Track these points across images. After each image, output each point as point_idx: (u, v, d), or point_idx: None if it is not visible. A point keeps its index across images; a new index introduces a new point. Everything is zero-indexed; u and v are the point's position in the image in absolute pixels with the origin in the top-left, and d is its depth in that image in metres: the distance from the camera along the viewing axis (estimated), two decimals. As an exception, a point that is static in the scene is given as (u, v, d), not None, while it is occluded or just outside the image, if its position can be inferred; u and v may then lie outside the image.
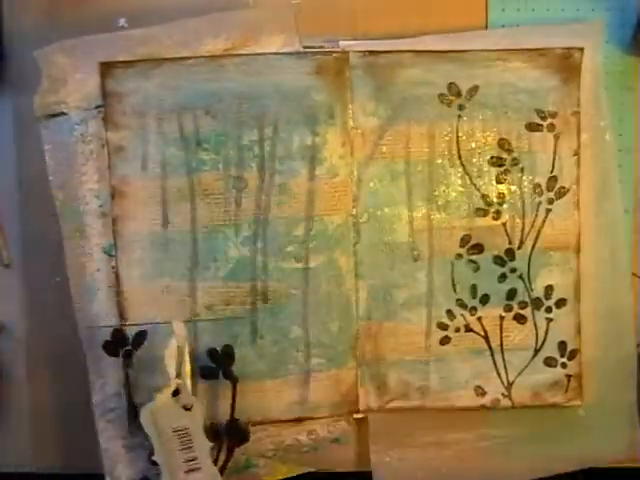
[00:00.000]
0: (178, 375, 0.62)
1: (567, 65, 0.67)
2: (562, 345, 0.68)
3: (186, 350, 0.63)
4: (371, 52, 0.66)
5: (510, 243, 0.68)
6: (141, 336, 0.65)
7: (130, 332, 0.65)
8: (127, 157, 0.66)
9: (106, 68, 0.65)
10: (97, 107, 0.66)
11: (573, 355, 0.68)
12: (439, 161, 0.67)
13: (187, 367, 0.63)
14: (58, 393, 0.70)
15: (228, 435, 0.65)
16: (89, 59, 0.65)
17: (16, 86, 0.68)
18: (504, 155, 0.67)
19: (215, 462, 0.63)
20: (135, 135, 0.66)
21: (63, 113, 0.66)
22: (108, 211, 0.66)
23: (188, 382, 0.63)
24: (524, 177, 0.67)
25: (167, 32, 0.65)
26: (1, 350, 0.69)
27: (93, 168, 0.66)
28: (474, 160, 0.67)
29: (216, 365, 0.65)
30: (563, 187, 0.67)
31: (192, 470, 0.62)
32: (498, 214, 0.67)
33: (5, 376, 0.69)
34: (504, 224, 0.68)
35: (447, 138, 0.67)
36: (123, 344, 0.64)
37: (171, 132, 0.66)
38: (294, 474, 0.69)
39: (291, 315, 0.67)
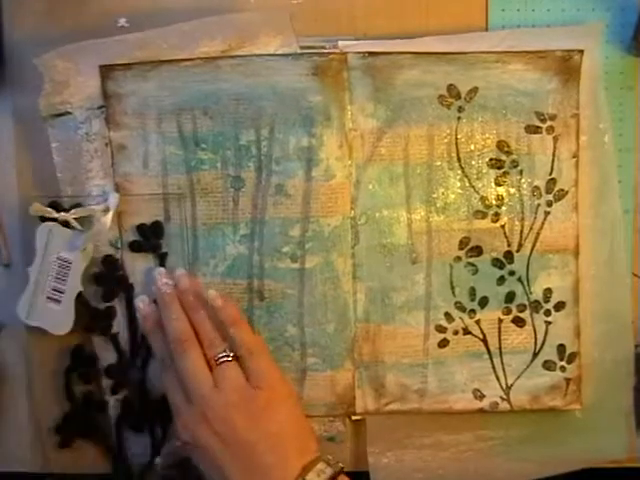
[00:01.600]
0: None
1: (567, 67, 0.66)
2: (561, 348, 0.68)
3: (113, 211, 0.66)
4: (370, 53, 0.66)
5: (509, 246, 0.67)
6: (76, 207, 0.67)
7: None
8: (129, 155, 0.67)
9: (106, 70, 0.65)
10: (100, 107, 0.66)
11: (572, 358, 0.68)
12: (438, 163, 0.67)
13: (107, 222, 0.66)
14: (58, 393, 0.70)
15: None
16: (89, 62, 0.66)
17: (16, 87, 0.68)
18: (503, 157, 0.67)
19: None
20: (136, 134, 0.66)
21: (68, 112, 0.66)
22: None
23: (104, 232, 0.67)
24: (523, 179, 0.67)
25: (164, 35, 0.66)
26: (1, 350, 0.70)
27: (98, 165, 0.67)
28: (473, 162, 0.67)
29: (143, 239, 0.67)
30: (562, 189, 0.67)
31: (53, 299, 0.66)
32: (497, 216, 0.67)
33: (5, 376, 0.69)
34: (503, 226, 0.67)
35: (446, 140, 0.67)
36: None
37: (170, 132, 0.66)
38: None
39: (287, 314, 0.67)
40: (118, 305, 0.68)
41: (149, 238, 0.67)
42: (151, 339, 0.64)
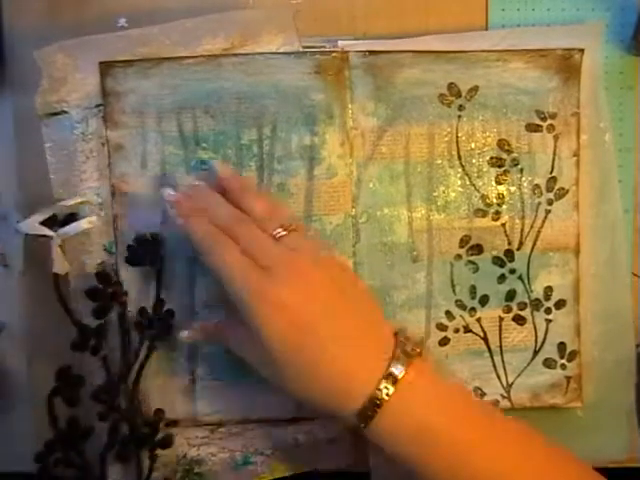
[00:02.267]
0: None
1: (567, 66, 0.66)
2: (561, 346, 0.68)
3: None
4: (371, 52, 0.66)
5: (509, 244, 0.68)
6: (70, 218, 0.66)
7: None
8: (127, 155, 0.66)
9: (106, 67, 0.65)
10: (97, 106, 0.66)
11: (573, 356, 0.68)
12: (439, 161, 0.67)
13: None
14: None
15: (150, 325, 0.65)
16: (89, 59, 0.65)
17: (16, 86, 0.68)
18: (504, 156, 0.67)
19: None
20: (135, 134, 0.66)
21: (64, 111, 0.66)
22: (108, 209, 0.66)
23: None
24: (523, 178, 0.67)
25: (166, 32, 0.65)
26: (1, 350, 0.69)
27: (93, 166, 0.66)
28: (474, 161, 0.67)
29: (142, 251, 0.65)
30: (562, 188, 0.67)
31: None
32: (497, 215, 0.67)
33: (5, 376, 0.69)
34: (503, 225, 0.67)
35: (447, 139, 0.67)
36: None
37: (170, 131, 0.66)
38: (292, 473, 0.69)
39: (289, 314, 0.66)
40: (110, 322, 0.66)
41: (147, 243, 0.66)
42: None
